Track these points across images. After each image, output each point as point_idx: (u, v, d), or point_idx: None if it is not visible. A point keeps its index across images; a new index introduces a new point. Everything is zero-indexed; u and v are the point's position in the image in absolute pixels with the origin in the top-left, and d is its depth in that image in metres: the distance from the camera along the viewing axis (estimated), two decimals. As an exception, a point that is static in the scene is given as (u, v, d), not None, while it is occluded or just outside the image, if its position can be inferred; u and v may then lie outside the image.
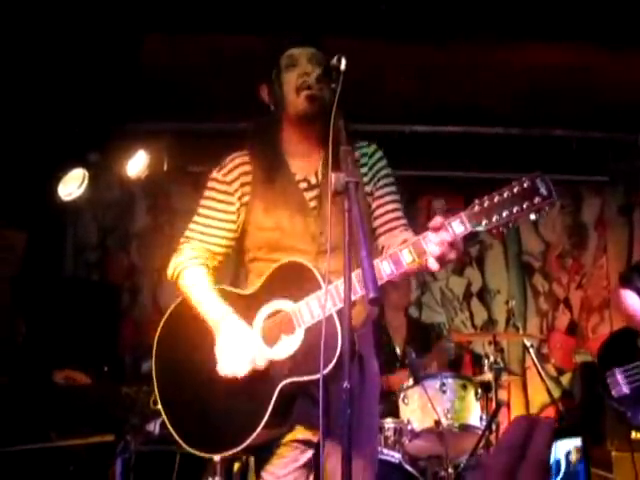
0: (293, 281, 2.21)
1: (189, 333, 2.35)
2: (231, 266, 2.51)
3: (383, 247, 2.32)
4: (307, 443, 2.31)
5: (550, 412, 5.59)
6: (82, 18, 4.05)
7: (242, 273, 2.46)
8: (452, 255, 2.01)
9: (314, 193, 2.34)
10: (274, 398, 2.16)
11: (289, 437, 2.28)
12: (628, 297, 3.98)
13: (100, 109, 4.90)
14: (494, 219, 1.98)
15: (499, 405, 4.25)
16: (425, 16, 4.15)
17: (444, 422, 4.07)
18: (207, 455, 2.33)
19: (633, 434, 4.27)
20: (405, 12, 4.07)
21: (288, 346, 2.19)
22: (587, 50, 4.43)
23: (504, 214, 1.96)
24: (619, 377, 3.86)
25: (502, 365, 4.49)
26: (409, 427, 4.15)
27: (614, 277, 5.98)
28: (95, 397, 4.11)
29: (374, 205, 2.39)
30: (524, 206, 1.95)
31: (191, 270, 2.38)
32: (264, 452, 2.30)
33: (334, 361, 2.03)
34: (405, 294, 5.25)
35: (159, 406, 2.37)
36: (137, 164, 5.26)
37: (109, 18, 4.08)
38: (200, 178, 2.57)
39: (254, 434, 2.16)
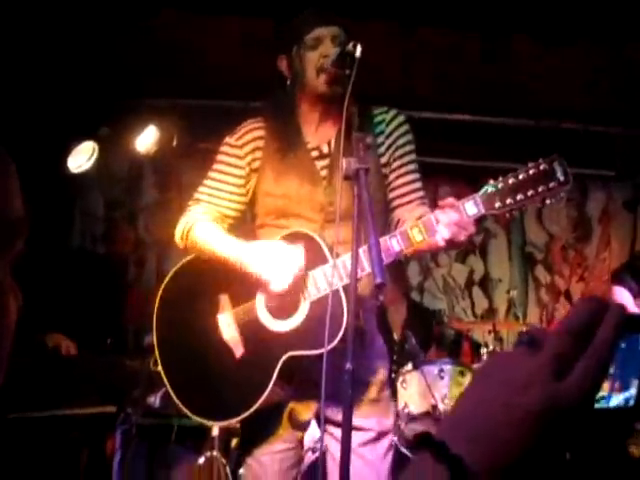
0: None
1: (194, 296, 2.35)
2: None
3: (399, 220, 2.30)
4: (301, 426, 2.34)
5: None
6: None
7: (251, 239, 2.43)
8: (462, 237, 1.99)
9: (325, 162, 2.33)
10: (277, 371, 2.17)
11: (285, 416, 2.31)
12: (619, 294, 4.02)
13: (112, 83, 4.92)
14: (508, 202, 1.94)
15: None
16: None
17: (441, 407, 4.12)
18: (208, 422, 2.34)
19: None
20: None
21: (292, 319, 2.19)
22: (597, 43, 4.43)
23: (518, 197, 1.93)
24: None
25: (501, 354, 4.53)
26: (406, 411, 4.20)
27: (616, 271, 5.99)
28: (99, 368, 4.15)
29: (391, 177, 2.35)
30: (539, 190, 1.91)
31: (202, 223, 2.35)
32: (256, 429, 2.32)
33: (338, 337, 2.04)
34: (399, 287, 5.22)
35: (159, 368, 2.36)
36: (147, 139, 5.27)
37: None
38: (209, 154, 2.58)
39: (256, 405, 2.18)
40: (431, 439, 0.62)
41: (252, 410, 2.18)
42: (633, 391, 0.67)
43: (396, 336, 5.01)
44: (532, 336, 0.64)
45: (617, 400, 0.66)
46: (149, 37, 4.54)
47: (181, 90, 5.20)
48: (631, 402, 0.67)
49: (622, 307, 0.63)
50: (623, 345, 0.65)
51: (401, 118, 2.40)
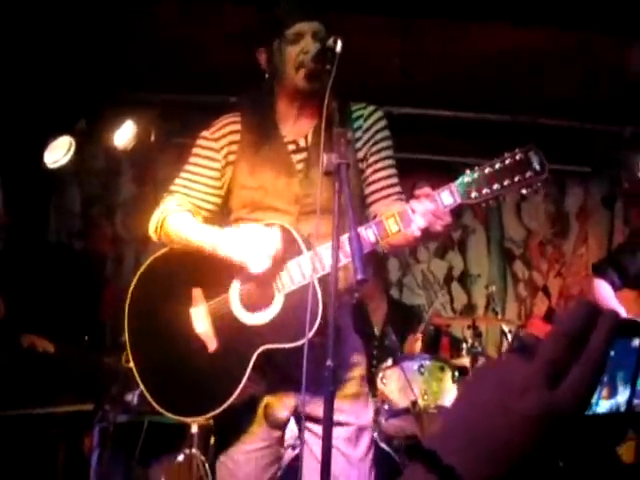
0: None
1: (166, 291, 2.31)
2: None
3: (376, 215, 2.26)
4: (279, 424, 2.29)
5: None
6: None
7: None
8: (438, 227, 1.98)
9: (301, 156, 2.30)
10: (251, 364, 2.13)
11: (260, 413, 2.26)
12: (600, 287, 4.02)
13: (89, 78, 4.86)
14: (484, 192, 1.94)
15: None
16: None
17: (421, 403, 4.12)
18: (182, 419, 2.29)
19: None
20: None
21: (267, 312, 2.15)
22: (582, 38, 4.44)
23: (495, 187, 1.93)
24: None
25: (479, 349, 4.54)
26: (386, 406, 4.20)
27: (593, 267, 6.03)
28: (77, 366, 4.12)
29: (367, 171, 2.33)
30: (515, 180, 1.91)
31: (176, 214, 2.31)
32: (231, 428, 2.27)
33: (314, 330, 2.01)
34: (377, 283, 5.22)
35: (131, 364, 2.33)
36: (125, 134, 5.23)
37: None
38: (185, 149, 2.56)
39: (229, 400, 2.14)
40: (422, 449, 0.60)
41: (226, 405, 2.14)
42: (621, 398, 0.66)
43: (377, 332, 5.02)
44: (523, 343, 0.64)
45: (604, 407, 0.66)
46: (127, 31, 4.48)
47: (159, 85, 5.15)
48: (622, 408, 0.66)
49: (615, 313, 0.63)
50: (612, 352, 0.64)
51: (379, 114, 2.38)
